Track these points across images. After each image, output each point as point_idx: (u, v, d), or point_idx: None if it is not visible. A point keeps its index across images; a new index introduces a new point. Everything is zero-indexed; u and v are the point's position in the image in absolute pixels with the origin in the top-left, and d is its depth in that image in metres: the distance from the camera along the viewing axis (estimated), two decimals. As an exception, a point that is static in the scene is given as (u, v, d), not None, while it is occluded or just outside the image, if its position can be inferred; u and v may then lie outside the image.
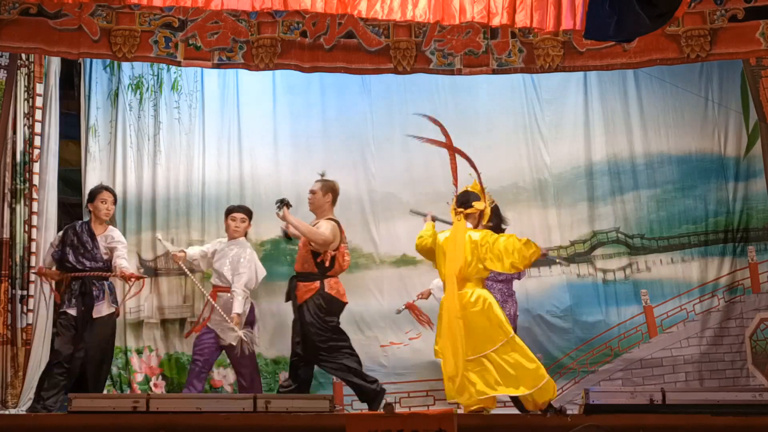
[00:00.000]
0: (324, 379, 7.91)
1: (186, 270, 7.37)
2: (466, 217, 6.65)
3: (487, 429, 5.71)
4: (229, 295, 7.16)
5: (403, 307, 7.56)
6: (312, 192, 7.20)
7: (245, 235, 7.46)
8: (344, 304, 7.11)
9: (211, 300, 7.15)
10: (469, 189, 6.71)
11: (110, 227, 7.16)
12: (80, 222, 7.15)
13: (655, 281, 8.30)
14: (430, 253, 6.76)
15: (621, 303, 8.26)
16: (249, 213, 7.48)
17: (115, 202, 7.23)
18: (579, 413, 5.75)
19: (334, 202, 7.22)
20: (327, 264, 6.98)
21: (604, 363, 8.11)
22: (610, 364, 8.10)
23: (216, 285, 7.33)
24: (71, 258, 6.89)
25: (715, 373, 8.00)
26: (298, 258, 7.15)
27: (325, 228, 7.00)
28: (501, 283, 7.32)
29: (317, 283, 6.97)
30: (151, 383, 8.00)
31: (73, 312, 6.80)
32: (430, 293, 7.47)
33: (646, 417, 5.53)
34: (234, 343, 7.02)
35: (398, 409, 6.43)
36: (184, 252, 7.43)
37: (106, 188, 7.23)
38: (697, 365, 8.04)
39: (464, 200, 6.66)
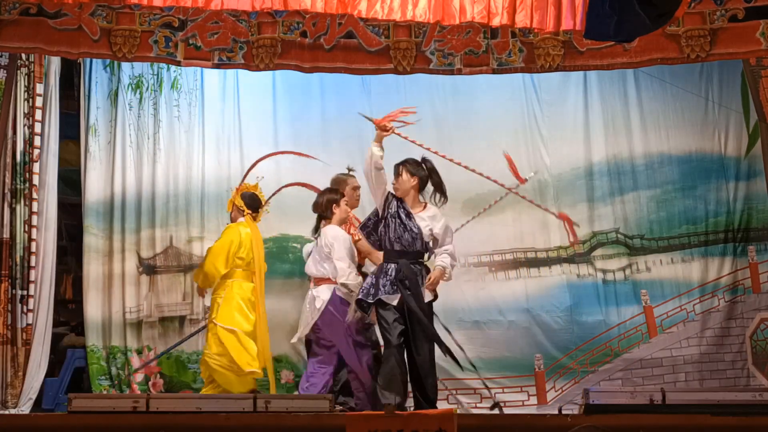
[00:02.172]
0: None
1: None
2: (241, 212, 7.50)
3: (487, 429, 5.70)
4: None
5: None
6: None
7: None
8: None
9: None
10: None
11: None
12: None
13: (655, 281, 8.28)
14: None
15: (621, 303, 8.24)
16: None
17: None
18: (579, 413, 5.74)
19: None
20: None
21: (604, 363, 8.10)
22: (610, 364, 8.09)
23: None
24: None
25: (716, 373, 7.99)
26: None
27: None
28: None
29: None
30: (150, 382, 8.01)
31: None
32: None
33: (646, 417, 5.51)
34: None
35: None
36: None
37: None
38: (697, 365, 8.03)
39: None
